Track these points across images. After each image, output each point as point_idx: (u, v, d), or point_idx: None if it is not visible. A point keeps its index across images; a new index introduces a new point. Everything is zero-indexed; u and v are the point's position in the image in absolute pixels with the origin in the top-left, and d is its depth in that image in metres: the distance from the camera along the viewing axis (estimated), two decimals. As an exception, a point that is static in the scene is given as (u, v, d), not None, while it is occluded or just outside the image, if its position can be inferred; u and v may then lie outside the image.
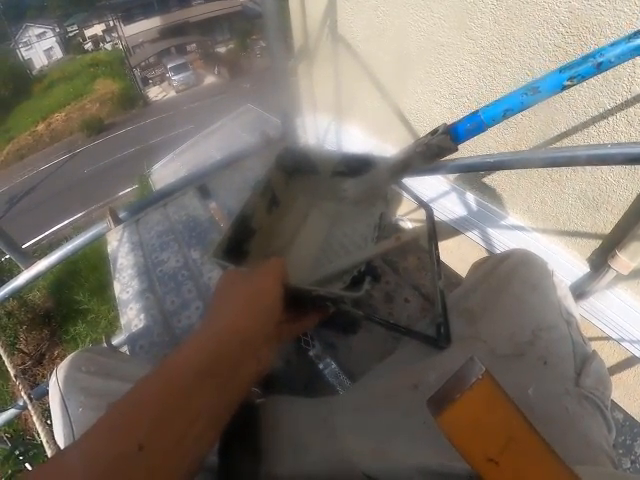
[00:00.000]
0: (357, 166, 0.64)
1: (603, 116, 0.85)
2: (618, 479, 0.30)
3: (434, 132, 0.49)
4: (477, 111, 0.46)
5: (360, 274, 0.46)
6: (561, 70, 0.41)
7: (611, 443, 0.35)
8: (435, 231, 0.56)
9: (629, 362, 1.06)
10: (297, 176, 0.70)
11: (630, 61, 0.76)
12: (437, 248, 0.54)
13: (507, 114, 0.44)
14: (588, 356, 0.39)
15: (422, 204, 0.64)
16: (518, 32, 0.89)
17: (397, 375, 0.47)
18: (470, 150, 1.12)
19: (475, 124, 0.45)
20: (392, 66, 1.25)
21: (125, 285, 1.07)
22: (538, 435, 0.22)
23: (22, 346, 4.42)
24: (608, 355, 1.10)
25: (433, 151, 0.48)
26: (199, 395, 0.28)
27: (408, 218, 1.46)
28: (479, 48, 0.97)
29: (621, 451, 0.55)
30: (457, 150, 0.48)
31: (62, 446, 0.47)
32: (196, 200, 1.26)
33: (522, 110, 0.44)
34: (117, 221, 1.24)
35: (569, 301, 0.46)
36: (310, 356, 0.68)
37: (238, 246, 0.56)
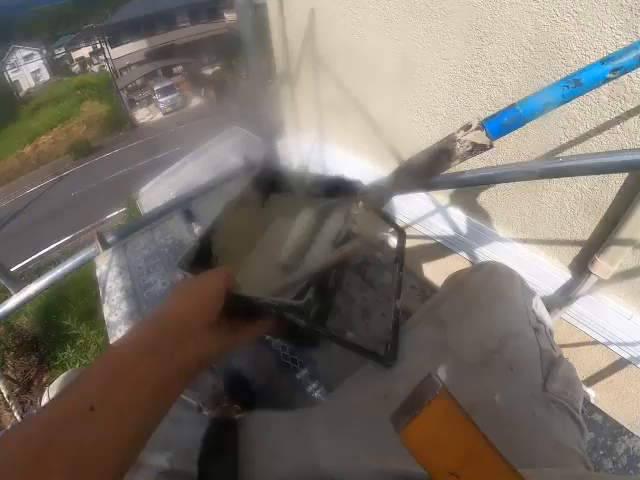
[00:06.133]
0: (330, 187, 0.66)
1: (574, 127, 0.89)
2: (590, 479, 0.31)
3: (467, 127, 0.46)
4: (514, 105, 0.43)
5: (306, 286, 0.48)
6: (603, 62, 0.39)
7: (584, 445, 0.36)
8: (403, 254, 0.58)
9: (618, 364, 1.07)
10: (273, 195, 0.72)
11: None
12: (402, 270, 0.56)
13: (547, 108, 0.41)
14: (555, 361, 0.40)
15: (396, 228, 0.66)
16: (488, 51, 0.93)
17: (368, 386, 0.48)
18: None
19: (513, 118, 0.42)
20: (371, 87, 1.29)
21: (114, 308, 1.08)
22: (495, 450, 0.23)
23: (9, 372, 4.28)
24: (597, 359, 1.11)
25: (466, 148, 0.45)
26: (143, 367, 0.32)
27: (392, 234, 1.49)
28: (452, 67, 1.01)
29: (602, 452, 0.56)
30: (493, 147, 0.45)
31: None
32: (181, 224, 1.26)
33: (563, 104, 0.42)
34: (105, 245, 1.23)
35: (539, 309, 0.47)
36: (297, 378, 0.68)
37: (205, 258, 0.57)
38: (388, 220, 0.65)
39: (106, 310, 1.08)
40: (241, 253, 0.64)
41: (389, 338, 0.49)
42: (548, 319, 0.47)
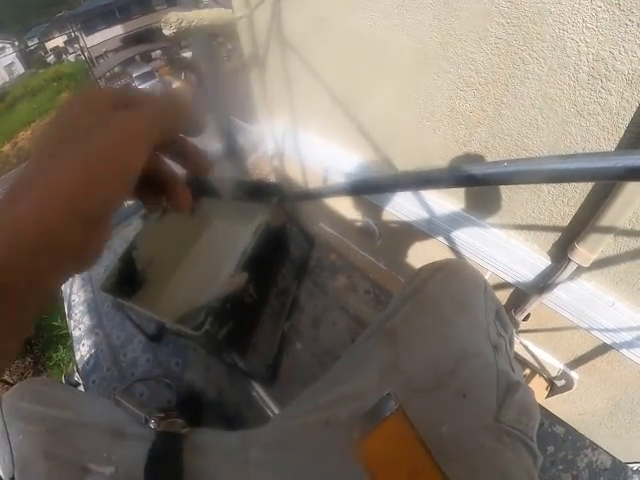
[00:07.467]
0: (252, 191, 0.66)
1: (551, 107, 0.83)
2: None
3: None
4: None
5: (205, 317, 0.48)
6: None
7: (536, 471, 0.35)
8: (305, 272, 0.58)
9: (600, 349, 1.05)
10: (204, 199, 0.71)
11: (575, 48, 0.75)
12: (299, 288, 0.56)
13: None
14: (512, 386, 0.37)
15: (306, 237, 0.67)
16: (458, 26, 0.86)
17: (310, 410, 0.46)
18: (419, 146, 1.10)
19: None
20: (339, 70, 1.22)
21: (77, 322, 1.06)
22: (440, 470, 0.25)
23: (6, 376, 4.29)
24: (580, 344, 1.10)
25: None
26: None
27: (375, 222, 1.44)
28: (420, 45, 0.94)
29: (561, 467, 0.52)
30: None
31: (2, 472, 0.48)
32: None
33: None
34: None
35: (501, 319, 0.44)
36: (249, 393, 0.64)
37: (131, 276, 0.56)
38: (300, 227, 0.65)
39: (71, 324, 1.06)
40: (173, 262, 0.63)
41: (270, 362, 0.51)
42: (510, 328, 0.44)
